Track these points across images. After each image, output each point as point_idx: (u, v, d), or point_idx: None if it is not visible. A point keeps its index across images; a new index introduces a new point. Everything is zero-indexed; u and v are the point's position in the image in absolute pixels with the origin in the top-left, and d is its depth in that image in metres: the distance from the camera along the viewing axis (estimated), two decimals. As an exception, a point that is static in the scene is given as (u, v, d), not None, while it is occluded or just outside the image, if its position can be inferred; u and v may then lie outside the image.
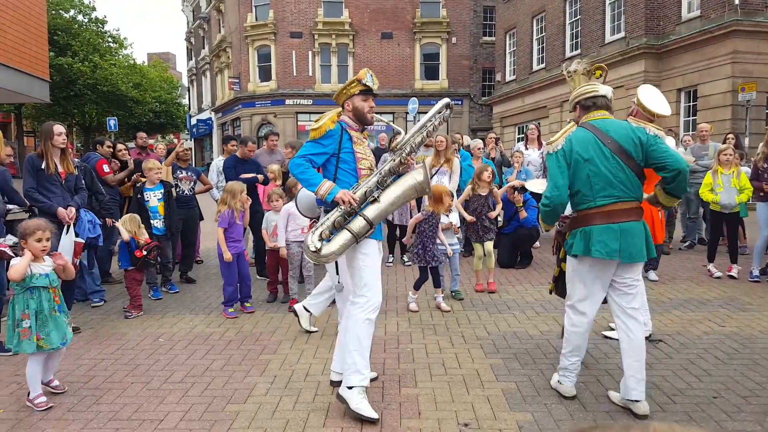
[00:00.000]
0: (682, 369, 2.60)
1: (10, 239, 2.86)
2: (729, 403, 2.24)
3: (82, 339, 3.15)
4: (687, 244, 5.81)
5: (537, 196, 4.83)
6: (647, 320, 3.01)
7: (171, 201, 4.19)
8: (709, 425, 2.06)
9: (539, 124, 13.32)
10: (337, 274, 2.34)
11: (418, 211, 4.12)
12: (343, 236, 2.12)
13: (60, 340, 2.32)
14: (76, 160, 4.11)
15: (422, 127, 2.27)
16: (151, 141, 7.33)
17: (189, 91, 30.38)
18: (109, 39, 21.94)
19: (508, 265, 4.97)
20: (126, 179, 4.78)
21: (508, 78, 17.41)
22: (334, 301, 3.16)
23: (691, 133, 8.62)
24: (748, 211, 4.69)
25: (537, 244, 5.61)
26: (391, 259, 5.25)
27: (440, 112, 2.27)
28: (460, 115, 19.60)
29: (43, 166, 3.26)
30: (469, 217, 4.19)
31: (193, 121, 26.50)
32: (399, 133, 2.29)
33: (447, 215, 3.84)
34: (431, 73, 20.31)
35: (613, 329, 2.88)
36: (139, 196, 4.07)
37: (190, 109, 28.86)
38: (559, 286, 2.53)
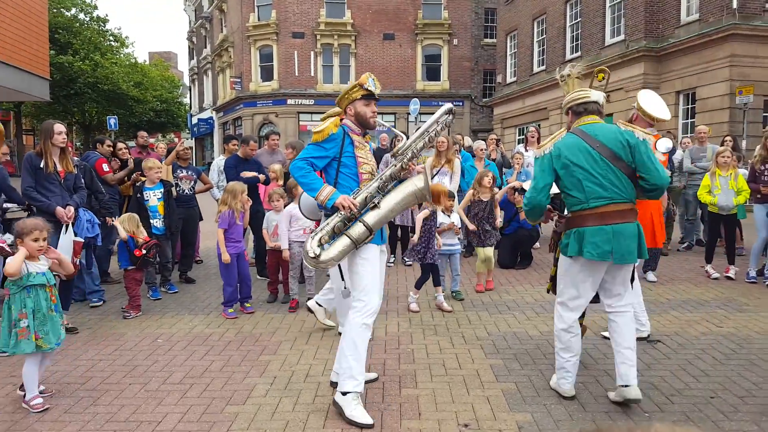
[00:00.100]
0: (680, 369, 2.61)
1: (9, 237, 2.85)
2: (726, 404, 2.25)
3: (79, 339, 3.13)
4: (685, 245, 5.84)
5: None
6: (645, 321, 3.03)
7: (171, 200, 4.17)
8: (706, 425, 2.07)
9: (539, 126, 13.34)
10: (342, 279, 2.33)
11: (420, 212, 4.11)
12: (342, 242, 2.12)
13: (56, 340, 2.30)
14: (76, 158, 4.09)
15: (424, 133, 2.27)
16: (151, 140, 7.32)
17: (190, 90, 30.40)
18: (111, 37, 21.95)
19: (508, 265, 4.97)
20: (126, 178, 4.76)
21: (508, 80, 17.43)
22: None
23: (689, 135, 8.64)
24: (746, 213, 4.71)
25: (537, 244, 5.61)
26: (392, 260, 5.24)
27: (442, 118, 2.27)
28: (461, 116, 19.61)
29: (42, 165, 3.24)
30: (470, 225, 4.19)
31: (194, 120, 26.51)
32: (398, 136, 2.28)
33: (448, 215, 3.83)
34: (433, 74, 20.34)
35: None
36: (138, 195, 4.05)
37: (191, 108, 28.88)
38: (556, 284, 2.54)
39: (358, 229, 2.12)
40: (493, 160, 5.99)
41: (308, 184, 2.14)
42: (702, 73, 10.52)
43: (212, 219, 3.86)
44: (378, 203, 2.15)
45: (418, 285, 3.75)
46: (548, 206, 2.47)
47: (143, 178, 4.18)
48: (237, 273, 3.62)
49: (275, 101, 19.91)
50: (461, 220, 4.16)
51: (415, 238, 3.65)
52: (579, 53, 13.57)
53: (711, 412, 2.18)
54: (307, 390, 2.42)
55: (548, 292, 2.66)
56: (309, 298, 3.77)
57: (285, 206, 3.84)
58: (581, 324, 2.68)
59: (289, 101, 19.80)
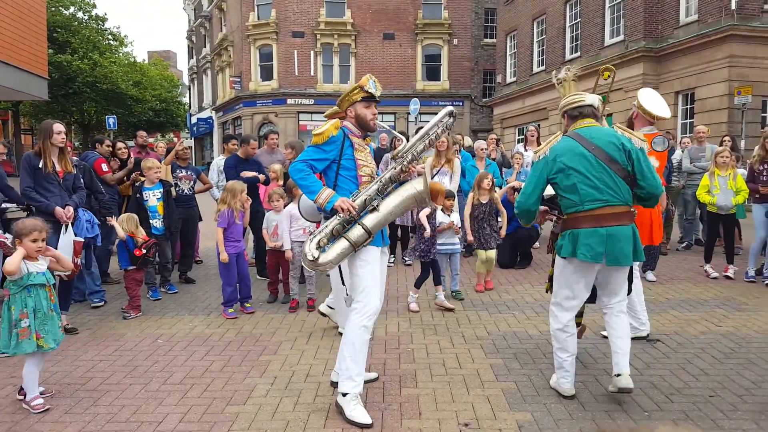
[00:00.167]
0: (680, 368, 2.62)
1: (9, 237, 2.84)
2: (725, 402, 2.26)
3: (79, 340, 3.13)
4: (684, 244, 5.87)
5: None
6: (645, 320, 3.04)
7: (170, 200, 4.17)
8: (706, 424, 2.08)
9: (539, 125, 13.34)
10: (343, 284, 2.33)
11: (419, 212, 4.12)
12: (341, 245, 2.12)
13: (55, 340, 2.30)
14: (75, 158, 4.08)
15: (424, 135, 2.26)
16: (150, 140, 7.31)
17: (189, 89, 30.35)
18: (110, 36, 21.88)
19: (507, 265, 4.98)
20: (125, 178, 4.76)
21: (508, 80, 17.44)
22: None
23: (688, 135, 8.67)
24: (745, 213, 4.73)
25: (536, 244, 5.63)
26: (392, 260, 5.24)
27: (442, 121, 2.27)
28: (461, 116, 19.61)
29: (40, 165, 3.23)
30: (469, 238, 4.22)
31: (194, 119, 26.46)
32: (398, 138, 2.29)
33: (448, 214, 3.84)
34: (433, 74, 20.34)
35: None
36: (138, 195, 4.05)
37: (190, 107, 28.82)
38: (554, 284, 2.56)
39: (356, 232, 2.12)
40: (494, 159, 6.00)
41: (307, 186, 2.14)
42: (701, 73, 10.55)
43: (212, 219, 3.86)
44: (377, 206, 2.15)
45: (418, 284, 3.75)
46: (546, 207, 2.49)
47: (142, 178, 4.18)
48: (236, 273, 3.61)
49: (275, 101, 19.89)
50: (461, 215, 4.17)
51: (427, 232, 3.65)
52: (578, 53, 13.58)
53: (710, 410, 2.19)
54: (307, 390, 2.43)
55: (547, 291, 2.68)
56: (309, 298, 3.78)
57: (285, 206, 3.84)
58: (580, 323, 2.70)
59: (289, 101, 19.77)
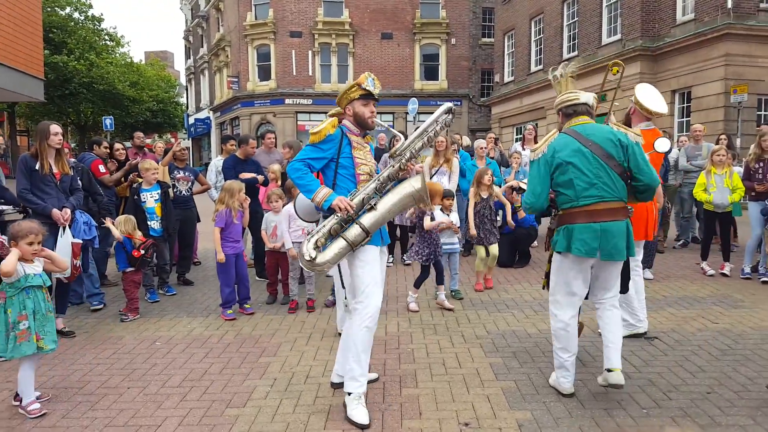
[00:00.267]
0: (677, 365, 2.63)
1: (5, 238, 2.82)
2: (722, 398, 2.27)
3: (76, 343, 3.11)
4: (681, 242, 5.90)
5: None
6: (643, 317, 3.05)
7: (168, 202, 4.15)
8: (703, 420, 2.09)
9: (537, 125, 13.34)
10: (343, 287, 2.32)
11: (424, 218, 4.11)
12: (338, 245, 2.11)
13: (54, 341, 2.29)
14: (73, 160, 4.05)
15: (423, 133, 2.25)
16: (148, 140, 7.26)
17: (187, 90, 30.24)
18: (106, 37, 21.78)
19: (506, 264, 4.99)
20: (122, 179, 4.73)
21: (506, 79, 17.46)
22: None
23: (685, 133, 8.70)
24: (741, 211, 4.75)
25: (535, 243, 5.64)
26: (390, 260, 5.23)
27: (441, 118, 2.26)
28: (460, 115, 19.62)
29: (37, 167, 3.21)
30: (472, 231, 4.21)
31: (191, 120, 26.38)
32: (396, 137, 2.27)
33: (447, 214, 3.84)
34: (431, 73, 20.34)
35: None
36: (135, 197, 4.03)
37: (187, 108, 28.73)
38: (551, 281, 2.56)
39: (354, 231, 2.10)
40: (492, 158, 6.01)
41: (305, 185, 2.13)
42: (697, 72, 10.59)
43: (210, 220, 3.85)
44: (375, 205, 2.13)
45: (417, 284, 3.75)
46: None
47: (140, 180, 4.15)
48: (235, 274, 3.60)
49: (273, 101, 19.84)
50: (463, 214, 4.18)
51: (436, 224, 3.64)
52: (576, 53, 13.60)
53: (708, 407, 2.20)
54: (307, 391, 2.42)
55: (544, 288, 2.68)
56: (309, 299, 3.77)
57: (284, 206, 3.82)
58: (578, 321, 2.70)
59: (287, 101, 19.74)
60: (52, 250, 2.72)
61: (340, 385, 2.32)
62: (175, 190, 4.51)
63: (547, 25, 14.99)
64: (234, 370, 2.67)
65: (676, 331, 3.13)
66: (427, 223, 3.63)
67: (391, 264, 5.18)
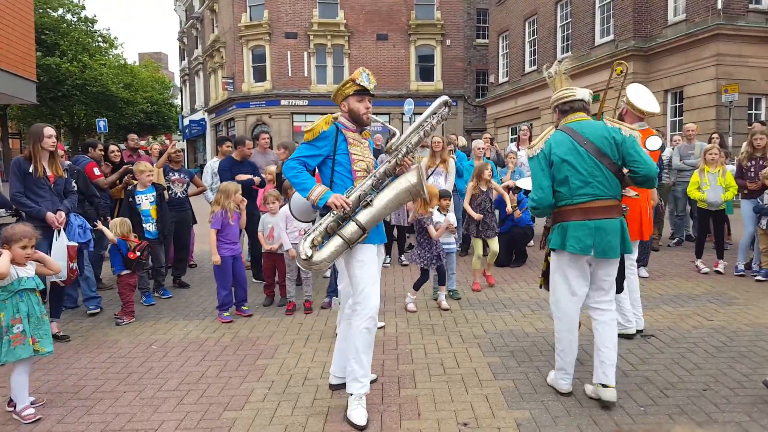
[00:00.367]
0: (674, 363, 2.65)
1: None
2: (718, 395, 2.29)
3: (71, 348, 3.07)
4: (675, 240, 5.95)
5: None
6: (640, 315, 3.06)
7: (163, 204, 4.12)
8: (699, 417, 2.10)
9: (531, 125, 13.45)
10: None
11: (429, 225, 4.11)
12: (335, 242, 2.08)
13: (50, 344, 2.26)
14: (68, 162, 4.02)
15: (419, 127, 2.21)
16: (142, 142, 7.20)
17: (181, 91, 30.08)
18: (99, 38, 21.61)
19: (503, 263, 5.01)
20: (117, 181, 4.69)
21: (501, 80, 17.54)
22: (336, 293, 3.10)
23: (678, 132, 8.80)
24: (734, 208, 4.80)
25: (531, 242, 5.66)
26: (388, 260, 5.23)
27: (438, 111, 2.22)
28: (455, 116, 19.69)
29: (30, 170, 3.18)
30: (476, 216, 4.21)
31: (186, 121, 26.23)
32: (395, 134, 2.24)
33: (444, 214, 3.84)
34: (426, 74, 20.39)
35: None
36: (130, 199, 3.99)
37: (182, 109, 28.57)
38: (547, 280, 2.58)
39: (350, 229, 2.08)
40: (489, 158, 6.04)
41: (300, 183, 2.11)
42: (689, 72, 10.71)
43: (206, 222, 3.82)
44: (371, 201, 2.11)
45: (417, 286, 3.75)
46: None
47: (135, 182, 4.12)
48: (232, 276, 3.58)
49: (268, 102, 19.78)
50: (462, 214, 4.19)
51: (441, 231, 3.66)
52: (569, 53, 13.70)
53: (704, 404, 2.22)
54: (305, 393, 2.41)
55: (540, 287, 2.68)
56: (306, 300, 3.76)
57: (280, 208, 3.81)
58: None
59: (283, 102, 19.69)
60: (46, 253, 2.70)
61: (339, 387, 2.32)
62: (170, 192, 4.48)
63: (540, 26, 15.09)
64: (231, 373, 2.66)
65: (672, 329, 3.15)
66: (432, 231, 3.63)
67: (389, 264, 5.18)
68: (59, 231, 3.16)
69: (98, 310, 3.73)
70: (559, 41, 14.41)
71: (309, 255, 2.07)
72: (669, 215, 6.14)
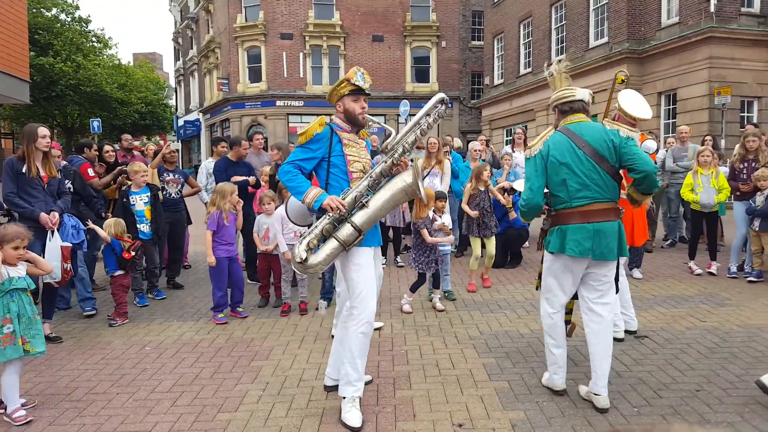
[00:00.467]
0: (667, 364, 2.67)
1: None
2: (711, 396, 2.31)
3: (63, 349, 3.05)
4: (669, 242, 5.99)
5: None
6: (632, 317, 3.09)
7: (157, 204, 4.09)
8: (693, 418, 2.12)
9: (526, 127, 13.53)
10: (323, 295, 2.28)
11: (410, 212, 4.13)
12: (330, 245, 2.07)
13: (42, 344, 2.24)
14: (64, 162, 3.98)
15: (415, 125, 2.19)
16: (136, 143, 7.14)
17: (176, 91, 29.92)
18: (93, 38, 21.45)
19: (498, 264, 5.02)
20: (111, 182, 4.66)
21: (496, 81, 17.64)
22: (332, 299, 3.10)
23: (672, 135, 8.89)
24: (726, 210, 4.85)
25: (526, 244, 5.69)
26: (383, 261, 5.23)
27: (435, 109, 2.19)
28: (451, 117, 19.77)
29: (24, 170, 3.15)
30: (473, 213, 4.21)
31: (180, 122, 26.09)
32: (390, 134, 2.23)
33: (439, 216, 3.85)
34: (422, 75, 20.45)
35: None
36: (124, 199, 3.97)
37: (177, 110, 28.42)
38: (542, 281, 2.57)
39: (346, 231, 2.07)
40: (484, 160, 6.06)
41: (295, 187, 2.09)
42: (682, 74, 10.83)
43: (202, 223, 3.80)
44: (366, 202, 2.09)
45: (414, 289, 3.76)
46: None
47: (129, 182, 4.10)
48: (228, 277, 3.56)
49: (264, 103, 19.74)
50: (459, 215, 4.20)
51: (438, 240, 3.66)
52: (564, 56, 13.79)
53: (697, 404, 2.24)
54: (300, 395, 2.40)
55: (537, 289, 2.70)
56: (301, 302, 3.75)
57: (276, 209, 3.80)
58: (570, 321, 2.72)
59: (278, 103, 19.65)
60: (40, 254, 2.68)
61: (334, 389, 2.31)
62: (164, 192, 4.45)
63: (535, 29, 15.20)
64: (225, 375, 2.64)
65: (665, 330, 3.17)
66: (425, 235, 3.63)
67: (384, 265, 5.17)
68: (53, 231, 3.13)
69: (94, 311, 3.69)
70: (554, 43, 14.52)
71: (304, 258, 2.05)
72: (662, 217, 6.20)
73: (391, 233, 5.37)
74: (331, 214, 2.07)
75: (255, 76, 19.91)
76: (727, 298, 3.86)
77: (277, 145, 5.06)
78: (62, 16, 19.90)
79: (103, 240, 3.52)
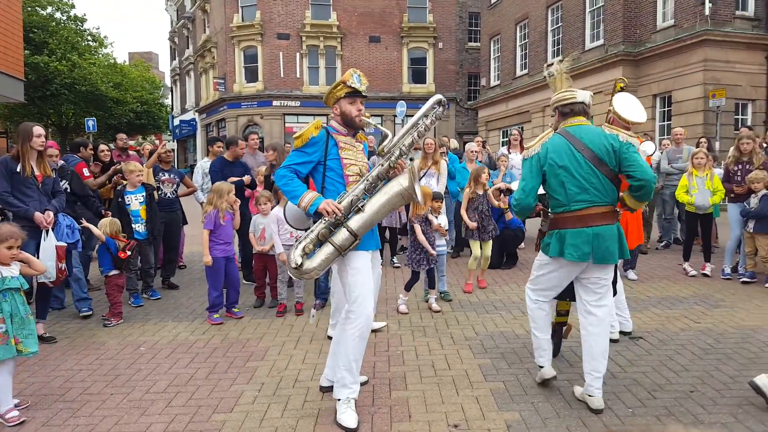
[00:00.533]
0: (661, 365, 2.68)
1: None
2: (705, 397, 2.33)
3: (57, 349, 3.02)
4: (663, 243, 6.03)
5: None
6: (627, 318, 3.10)
7: (153, 204, 4.07)
8: (687, 419, 2.13)
9: (522, 128, 13.60)
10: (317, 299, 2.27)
11: (407, 213, 4.14)
12: (326, 250, 2.05)
13: (36, 344, 2.22)
14: (61, 162, 3.95)
15: (413, 127, 2.17)
16: (131, 142, 7.09)
17: (172, 91, 29.79)
18: (89, 37, 21.30)
19: (494, 265, 5.04)
20: (107, 181, 4.63)
21: (492, 83, 17.71)
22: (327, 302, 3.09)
23: (667, 137, 8.97)
24: (720, 212, 4.89)
25: (522, 245, 5.71)
26: (380, 262, 5.22)
27: (432, 110, 2.17)
28: (447, 118, 19.84)
29: (18, 169, 3.13)
30: (471, 225, 4.22)
31: (176, 122, 25.97)
32: (387, 136, 2.22)
33: (436, 216, 3.87)
34: (418, 77, 20.50)
35: None
36: (119, 199, 3.95)
37: (172, 109, 28.29)
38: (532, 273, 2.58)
39: (342, 236, 2.05)
40: (480, 161, 6.08)
41: (290, 191, 2.08)
42: (677, 77, 10.93)
43: (197, 223, 3.79)
44: (362, 206, 2.08)
45: (408, 287, 3.76)
46: (538, 204, 2.51)
47: (124, 182, 4.08)
48: (224, 277, 3.55)
49: (260, 103, 19.70)
50: (455, 217, 4.20)
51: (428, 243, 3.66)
52: (560, 57, 13.88)
53: (691, 405, 2.25)
54: (296, 395, 2.40)
55: (536, 251, 2.69)
56: (297, 302, 3.75)
57: (272, 209, 3.80)
58: (566, 322, 2.74)
59: (275, 103, 19.62)
60: (34, 254, 2.66)
61: (330, 389, 2.31)
62: (160, 192, 4.44)
63: (532, 30, 15.28)
64: (221, 375, 2.63)
65: (660, 331, 3.19)
66: (418, 230, 3.64)
67: (381, 265, 5.17)
68: (47, 231, 3.11)
69: (90, 312, 3.66)
70: (550, 45, 14.61)
71: (299, 263, 2.03)
72: (657, 218, 6.23)
73: (387, 234, 5.38)
74: (327, 219, 2.06)
75: (251, 76, 19.86)
76: (721, 299, 3.89)
77: (272, 145, 5.05)
78: (57, 15, 19.76)
79: (97, 239, 3.50)
